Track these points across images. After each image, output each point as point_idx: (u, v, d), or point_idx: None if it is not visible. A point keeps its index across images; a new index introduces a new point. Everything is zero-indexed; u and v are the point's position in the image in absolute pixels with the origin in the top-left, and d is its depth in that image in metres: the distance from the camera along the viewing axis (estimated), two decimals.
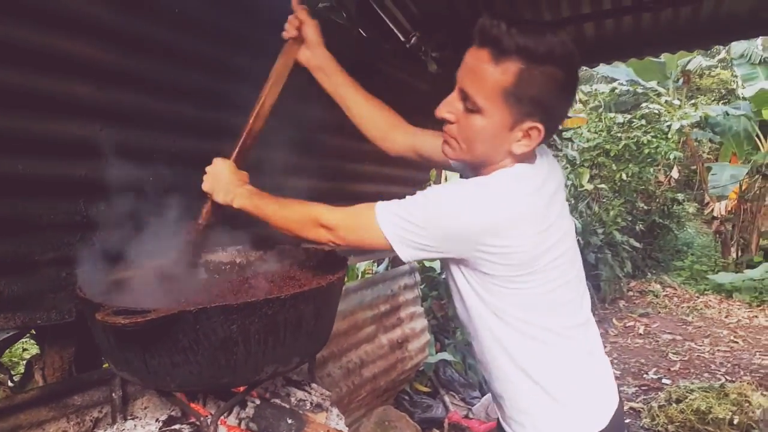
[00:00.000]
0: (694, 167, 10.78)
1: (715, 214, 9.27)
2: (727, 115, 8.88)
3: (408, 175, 3.26)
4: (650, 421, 3.96)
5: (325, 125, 2.15)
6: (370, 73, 1.76)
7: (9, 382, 1.97)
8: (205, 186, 1.35)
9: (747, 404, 3.79)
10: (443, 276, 4.55)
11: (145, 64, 1.53)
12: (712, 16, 2.96)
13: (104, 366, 1.61)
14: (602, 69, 9.02)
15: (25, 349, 4.15)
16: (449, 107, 1.16)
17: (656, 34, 3.20)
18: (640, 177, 8.77)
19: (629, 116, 9.30)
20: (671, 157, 8.93)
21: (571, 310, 1.27)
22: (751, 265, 8.32)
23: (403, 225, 1.13)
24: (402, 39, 2.97)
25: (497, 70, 1.07)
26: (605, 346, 5.71)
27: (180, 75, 1.65)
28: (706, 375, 5.01)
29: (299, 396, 1.56)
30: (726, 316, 6.94)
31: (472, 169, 1.26)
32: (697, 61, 9.98)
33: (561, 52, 1.07)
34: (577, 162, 7.78)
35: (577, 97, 9.22)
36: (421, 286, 3.93)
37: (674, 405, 3.99)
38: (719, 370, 5.14)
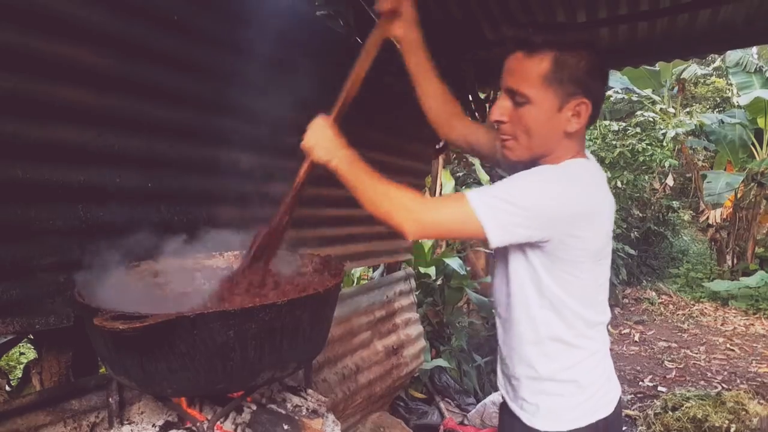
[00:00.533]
0: (689, 175, 10.84)
1: (710, 221, 9.31)
2: (722, 123, 8.95)
3: (411, 166, 3.28)
4: (646, 429, 3.96)
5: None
6: (367, 81, 1.77)
7: (6, 386, 1.97)
8: (307, 142, 1.31)
9: (744, 412, 3.79)
10: (438, 282, 4.57)
11: (143, 71, 1.55)
12: (707, 24, 2.99)
13: (101, 371, 1.61)
14: None
15: (22, 353, 4.13)
16: (499, 109, 1.27)
17: (652, 42, 3.23)
18: (635, 185, 8.82)
19: (624, 124, 9.35)
20: (666, 164, 8.97)
21: (603, 307, 1.38)
22: (747, 273, 8.36)
23: (503, 207, 1.16)
24: (398, 46, 2.98)
25: (533, 61, 1.20)
26: None
27: (178, 81, 1.66)
28: (702, 383, 5.02)
29: (295, 402, 1.56)
30: (722, 324, 6.96)
31: (534, 165, 1.30)
32: (692, 69, 10.05)
33: (585, 39, 1.24)
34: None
35: None
36: (417, 293, 3.94)
37: (670, 413, 3.99)
38: (715, 378, 5.15)
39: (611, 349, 4.90)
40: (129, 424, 1.48)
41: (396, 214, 1.22)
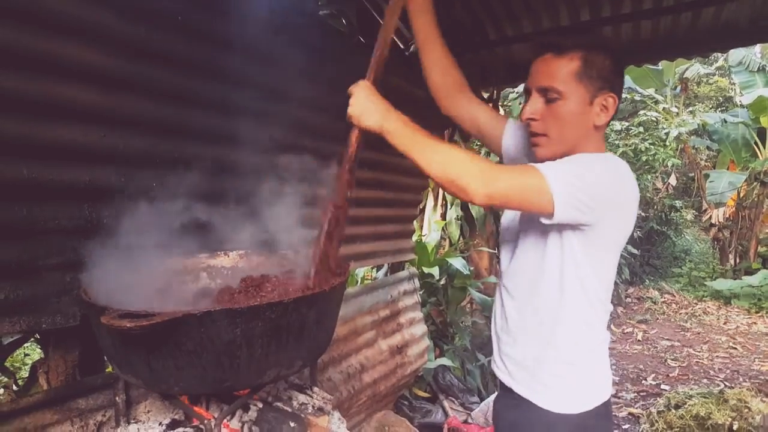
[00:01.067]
0: (692, 174, 10.82)
1: (713, 221, 9.30)
2: (725, 122, 8.93)
3: (409, 183, 3.28)
4: (649, 427, 3.96)
5: (322, 132, 2.17)
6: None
7: (14, 385, 1.98)
8: (354, 110, 1.28)
9: (746, 410, 3.78)
10: (442, 282, 4.57)
11: (148, 71, 1.55)
12: (710, 23, 2.98)
13: (108, 370, 1.61)
14: None
15: (26, 355, 4.14)
16: (531, 108, 1.33)
17: (655, 41, 3.22)
18: (638, 184, 8.79)
19: (627, 124, 9.35)
20: (669, 164, 8.96)
21: (609, 296, 1.42)
22: (750, 272, 8.35)
23: (573, 184, 1.19)
24: (401, 46, 3.00)
25: (564, 60, 1.28)
26: None
27: (182, 82, 1.67)
28: (704, 381, 5.02)
29: (301, 399, 1.57)
30: (724, 323, 6.95)
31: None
32: (695, 68, 10.03)
33: (607, 42, 1.38)
34: None
35: None
36: (420, 292, 3.94)
37: (673, 411, 3.98)
38: (718, 376, 5.15)
39: (614, 348, 4.89)
40: (136, 422, 1.49)
41: (464, 177, 1.19)
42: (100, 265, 1.37)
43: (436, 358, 4.06)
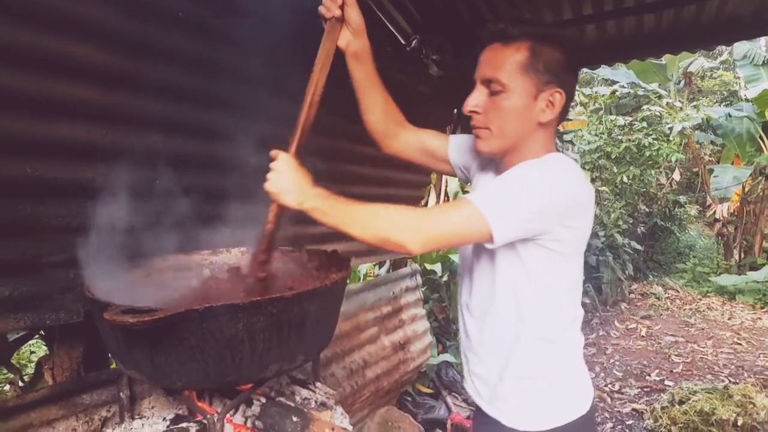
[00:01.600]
0: (696, 169, 10.78)
1: (717, 216, 9.26)
2: (730, 116, 8.88)
3: (408, 178, 3.28)
4: (653, 423, 3.96)
5: (327, 129, 2.17)
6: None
7: (20, 381, 2.00)
8: (271, 186, 1.23)
9: (751, 405, 3.78)
10: (444, 279, 4.57)
11: (150, 68, 1.55)
12: (714, 16, 2.97)
13: (112, 366, 1.62)
14: (602, 71, 9.06)
15: (32, 351, 4.17)
16: (474, 100, 1.27)
17: (658, 35, 3.20)
18: (642, 179, 8.78)
19: (630, 119, 9.31)
20: (673, 159, 8.92)
21: (578, 302, 1.37)
22: (754, 267, 8.32)
23: (507, 205, 1.15)
24: (403, 42, 2.99)
25: (510, 50, 1.22)
26: (607, 348, 5.73)
27: (183, 78, 1.67)
28: (709, 377, 5.01)
29: (304, 394, 1.58)
30: (729, 318, 6.94)
31: (505, 157, 1.30)
32: (699, 62, 9.99)
33: (559, 34, 1.28)
34: (578, 165, 7.78)
35: (577, 99, 9.25)
36: (423, 289, 3.94)
37: (677, 406, 3.98)
38: (722, 372, 5.14)
39: (617, 344, 4.88)
40: (140, 418, 1.50)
41: (395, 233, 1.15)
42: (103, 262, 1.38)
43: (438, 354, 4.07)
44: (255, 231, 1.65)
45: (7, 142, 1.25)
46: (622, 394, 4.64)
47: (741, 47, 8.65)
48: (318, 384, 1.66)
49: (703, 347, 5.88)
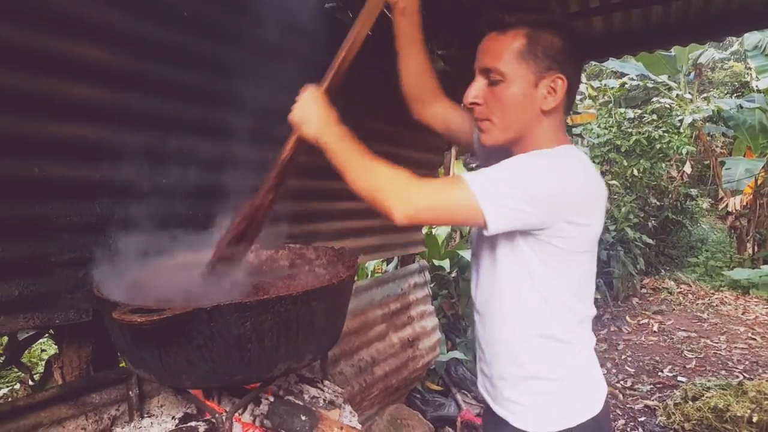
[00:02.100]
0: (708, 162, 10.67)
1: (729, 209, 9.15)
2: (741, 108, 8.78)
3: (421, 158, 3.28)
4: (666, 419, 3.92)
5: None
6: (377, 72, 1.76)
7: (30, 380, 2.01)
8: (295, 116, 1.22)
9: (766, 402, 3.73)
10: (453, 275, 4.55)
11: (156, 67, 1.56)
12: (723, 6, 2.93)
13: (121, 365, 1.63)
14: (611, 64, 8.97)
15: (43, 350, 4.21)
16: (474, 91, 1.24)
17: (666, 26, 3.17)
18: (652, 172, 8.70)
19: (640, 111, 9.24)
20: (683, 152, 8.83)
21: (590, 300, 1.32)
22: None
23: (504, 190, 1.10)
24: None
25: (507, 38, 1.19)
26: (619, 344, 5.69)
27: (190, 77, 1.67)
28: (723, 372, 4.96)
29: (312, 393, 1.57)
30: (743, 313, 6.86)
31: (513, 150, 1.27)
32: (709, 54, 9.89)
33: (558, 20, 1.24)
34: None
35: (586, 93, 9.17)
36: (431, 285, 3.93)
37: (690, 403, 3.95)
38: (737, 368, 5.08)
39: (629, 339, 4.83)
40: (149, 416, 1.50)
41: (385, 195, 1.13)
42: (111, 261, 1.38)
43: (448, 351, 4.05)
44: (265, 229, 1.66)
45: (15, 142, 1.26)
46: (635, 390, 4.60)
47: (752, 37, 8.54)
48: (326, 382, 1.66)
49: (717, 342, 5.82)
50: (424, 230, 3.78)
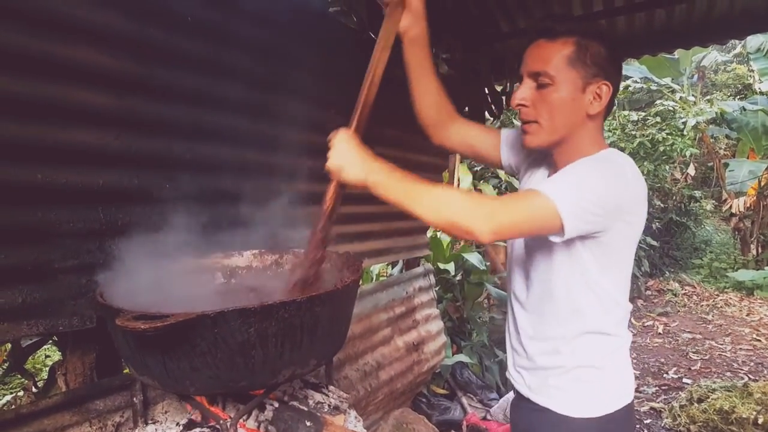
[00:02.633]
0: (711, 164, 10.65)
1: (733, 210, 9.13)
2: (744, 110, 8.76)
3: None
4: (671, 421, 3.91)
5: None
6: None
7: (33, 387, 2.01)
8: (333, 163, 1.21)
9: None
10: (458, 278, 4.54)
11: (160, 73, 1.55)
12: (726, 10, 2.93)
13: (125, 371, 1.62)
14: None
15: (47, 356, 4.21)
16: (521, 94, 1.29)
17: (670, 29, 3.17)
18: (656, 175, 8.68)
19: (643, 114, 9.22)
20: (687, 154, 8.82)
21: (627, 296, 1.38)
22: None
23: (577, 199, 1.15)
24: None
25: (557, 44, 1.24)
26: None
27: (193, 82, 1.67)
28: (728, 374, 4.94)
29: (317, 398, 1.56)
30: (747, 314, 6.83)
31: (555, 151, 1.33)
32: (712, 56, 9.87)
33: (602, 31, 1.33)
34: None
35: None
36: (436, 288, 3.92)
37: (696, 405, 3.93)
38: (742, 369, 5.06)
39: (634, 342, 4.81)
40: (153, 423, 1.50)
41: (466, 219, 1.13)
42: (114, 267, 1.38)
43: (453, 355, 4.04)
44: (267, 234, 1.66)
45: (18, 148, 1.25)
46: (640, 392, 4.58)
47: (755, 40, 8.53)
48: (331, 387, 1.65)
49: (722, 344, 5.79)
50: (429, 233, 3.77)
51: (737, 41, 9.75)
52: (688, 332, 6.21)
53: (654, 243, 7.98)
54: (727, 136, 10.24)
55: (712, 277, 8.61)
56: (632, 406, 1.40)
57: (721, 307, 7.15)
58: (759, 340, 5.84)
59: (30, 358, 2.40)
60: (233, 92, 1.77)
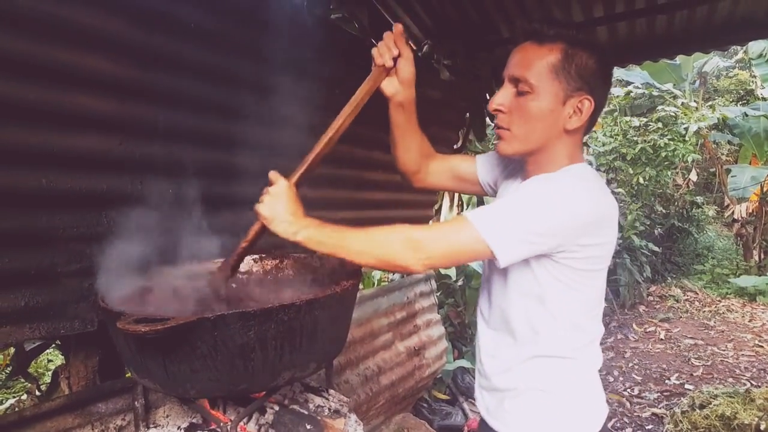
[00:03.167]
0: (713, 170, 10.63)
1: (735, 216, 9.12)
2: (746, 116, 8.75)
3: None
4: (673, 427, 3.89)
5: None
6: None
7: (37, 391, 2.02)
8: (265, 210, 1.21)
9: None
10: (459, 283, 4.54)
11: (163, 79, 1.57)
12: (727, 16, 2.94)
13: (127, 375, 1.64)
14: (617, 72, 8.94)
15: (50, 360, 4.22)
16: (499, 99, 1.23)
17: (670, 36, 3.18)
18: (658, 180, 8.67)
19: (645, 119, 9.22)
20: (689, 159, 8.81)
21: (598, 320, 1.32)
22: None
23: (508, 225, 1.11)
24: (414, 47, 2.99)
25: (543, 49, 1.17)
26: (625, 352, 5.65)
27: (196, 88, 1.68)
28: (730, 380, 4.92)
29: (317, 402, 1.57)
30: (750, 320, 6.81)
31: (528, 160, 1.27)
32: (713, 62, 9.87)
33: (594, 41, 1.20)
34: (593, 166, 7.71)
35: None
36: (437, 294, 3.93)
37: (698, 411, 3.91)
38: (744, 375, 5.04)
39: (636, 347, 4.81)
40: (155, 426, 1.50)
41: (397, 256, 1.13)
42: (117, 271, 1.39)
43: (454, 360, 4.04)
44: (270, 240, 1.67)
45: (22, 153, 1.27)
46: (642, 398, 4.57)
47: (757, 46, 8.52)
48: (331, 391, 1.66)
49: (724, 350, 5.77)
50: None
51: (739, 47, 9.75)
52: (690, 338, 6.19)
53: (656, 249, 7.96)
54: (729, 142, 10.22)
55: (714, 283, 8.58)
56: None
57: (723, 313, 7.12)
58: (761, 346, 5.82)
59: (33, 362, 2.41)
60: (231, 98, 1.78)
